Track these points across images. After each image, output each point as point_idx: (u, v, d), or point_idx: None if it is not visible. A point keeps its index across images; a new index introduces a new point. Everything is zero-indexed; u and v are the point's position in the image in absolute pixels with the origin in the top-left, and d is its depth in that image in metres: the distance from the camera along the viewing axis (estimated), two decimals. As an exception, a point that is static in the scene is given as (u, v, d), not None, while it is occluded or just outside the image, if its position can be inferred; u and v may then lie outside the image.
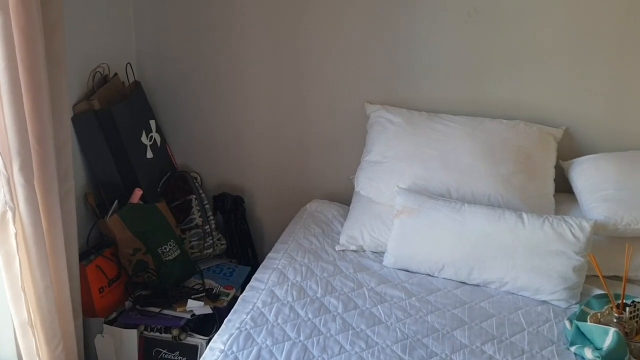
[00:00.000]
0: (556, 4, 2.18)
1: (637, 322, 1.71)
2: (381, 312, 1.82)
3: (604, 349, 1.59)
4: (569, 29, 2.20)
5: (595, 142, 2.28)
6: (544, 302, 1.90)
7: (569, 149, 2.28)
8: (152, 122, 2.47)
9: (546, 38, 2.22)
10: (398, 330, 1.73)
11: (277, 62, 2.47)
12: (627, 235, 1.98)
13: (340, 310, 1.81)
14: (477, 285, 1.98)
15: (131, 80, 2.49)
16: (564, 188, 2.22)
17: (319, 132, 2.54)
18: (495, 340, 1.71)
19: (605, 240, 2.01)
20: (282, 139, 2.59)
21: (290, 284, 1.93)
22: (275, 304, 1.82)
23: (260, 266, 2.06)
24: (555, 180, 2.20)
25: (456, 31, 2.28)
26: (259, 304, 1.82)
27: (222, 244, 2.52)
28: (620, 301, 1.73)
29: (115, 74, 2.39)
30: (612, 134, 2.27)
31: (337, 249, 2.17)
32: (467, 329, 1.75)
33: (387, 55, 2.36)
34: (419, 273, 2.04)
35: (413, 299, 1.89)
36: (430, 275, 2.03)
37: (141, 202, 2.26)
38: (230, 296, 2.28)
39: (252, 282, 1.96)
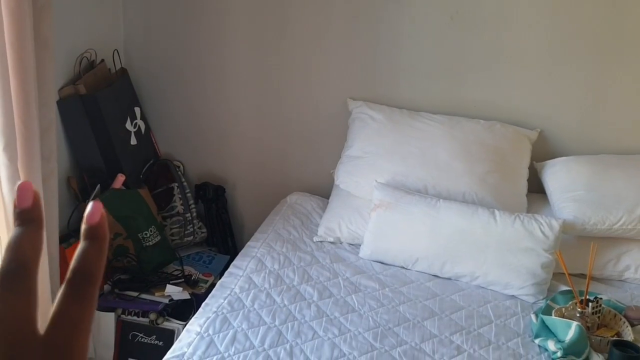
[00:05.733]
0: (534, 12, 2.25)
1: (598, 317, 1.78)
2: (355, 301, 1.87)
3: (566, 342, 1.66)
4: (545, 36, 2.27)
5: (568, 145, 2.35)
6: (513, 296, 1.97)
7: (543, 151, 2.35)
8: (137, 110, 2.50)
9: (524, 44, 2.29)
10: (370, 319, 1.78)
11: (263, 57, 2.51)
12: (593, 235, 2.05)
13: (315, 298, 1.86)
14: (449, 279, 2.04)
15: (118, 67, 2.51)
16: (536, 188, 2.29)
17: (301, 126, 2.59)
18: (464, 331, 1.77)
19: (573, 240, 2.09)
20: (266, 132, 2.63)
21: (267, 271, 1.98)
22: (253, 290, 1.87)
23: (240, 254, 2.10)
24: (528, 180, 2.27)
25: (438, 33, 2.34)
26: (237, 290, 1.86)
27: (202, 232, 2.56)
28: (583, 297, 1.80)
29: (102, 60, 2.41)
30: (584, 138, 2.34)
31: (315, 240, 2.22)
32: (437, 320, 1.81)
33: (371, 53, 2.42)
34: (393, 265, 2.09)
35: (386, 289, 1.95)
36: (404, 267, 2.09)
37: (123, 188, 2.29)
38: (209, 283, 2.32)
39: (230, 269, 2.00)
